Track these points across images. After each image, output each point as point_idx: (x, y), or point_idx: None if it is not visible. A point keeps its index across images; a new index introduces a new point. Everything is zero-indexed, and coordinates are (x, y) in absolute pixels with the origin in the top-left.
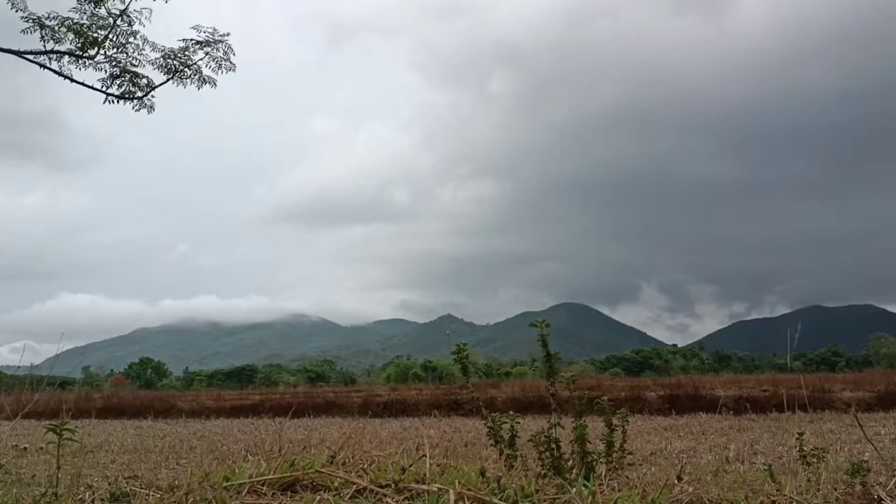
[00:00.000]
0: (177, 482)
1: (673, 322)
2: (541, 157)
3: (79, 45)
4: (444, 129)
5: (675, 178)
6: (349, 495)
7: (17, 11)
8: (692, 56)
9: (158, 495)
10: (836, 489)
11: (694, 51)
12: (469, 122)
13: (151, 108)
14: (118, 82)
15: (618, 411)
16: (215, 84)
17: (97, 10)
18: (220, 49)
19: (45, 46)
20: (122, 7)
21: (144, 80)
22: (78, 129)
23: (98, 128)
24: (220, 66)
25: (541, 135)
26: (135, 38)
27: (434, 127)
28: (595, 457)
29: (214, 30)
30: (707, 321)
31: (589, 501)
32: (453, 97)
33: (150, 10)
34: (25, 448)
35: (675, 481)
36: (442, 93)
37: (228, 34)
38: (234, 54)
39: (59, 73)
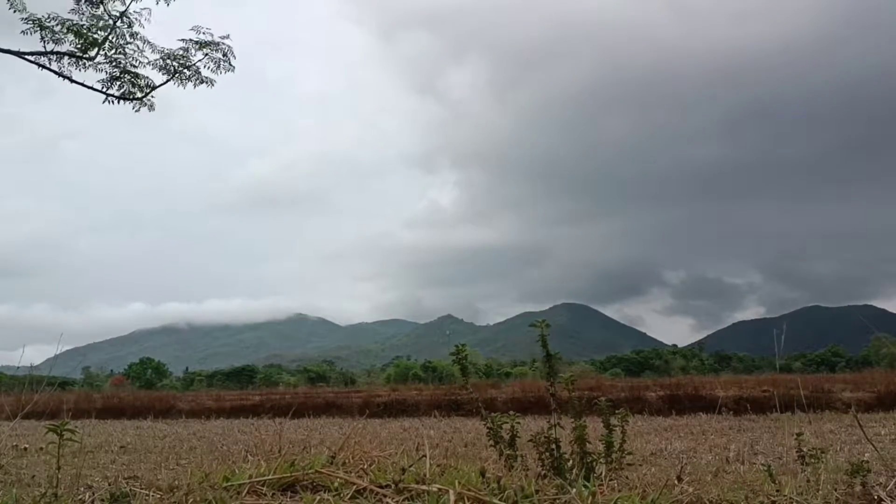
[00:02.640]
0: (177, 482)
1: (672, 321)
2: (528, 144)
3: (79, 46)
4: (428, 122)
5: (673, 163)
6: (349, 496)
7: (15, 12)
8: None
9: (158, 496)
10: (836, 489)
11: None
12: (455, 113)
13: (151, 108)
14: (118, 83)
15: (616, 411)
16: (213, 84)
17: (96, 10)
18: (220, 50)
19: (45, 47)
20: (123, 8)
21: (144, 81)
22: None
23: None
24: (218, 67)
25: (524, 120)
26: (135, 39)
27: (416, 119)
28: (595, 457)
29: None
30: (707, 321)
31: (589, 502)
32: (435, 87)
33: (150, 10)
34: (25, 448)
35: (676, 482)
36: (421, 83)
37: (228, 35)
38: (234, 56)
39: (59, 74)
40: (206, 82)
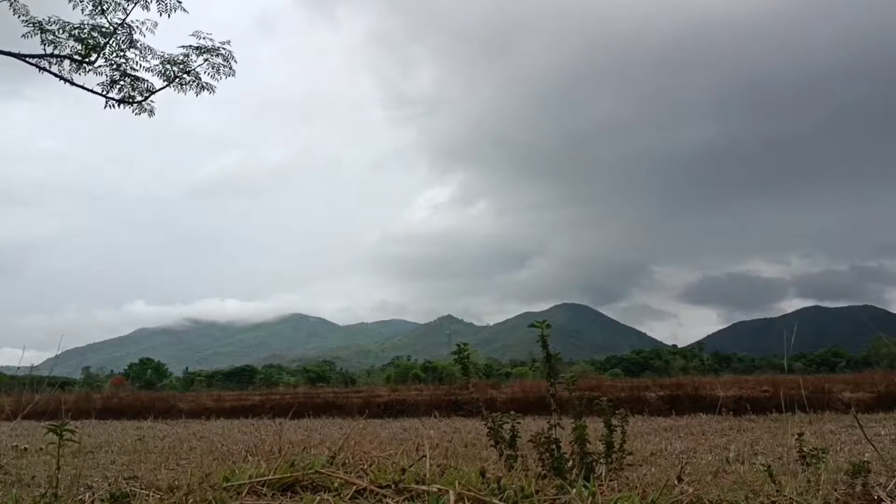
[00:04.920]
0: (177, 483)
1: (673, 321)
2: (514, 135)
3: (79, 50)
4: (408, 116)
5: (668, 148)
6: (349, 496)
7: (18, 17)
8: None
9: (158, 496)
10: (836, 490)
11: None
12: (433, 106)
13: (151, 113)
14: (118, 87)
15: (617, 412)
16: (214, 90)
17: (100, 18)
18: (220, 56)
19: (45, 50)
20: (123, 17)
21: (145, 85)
22: None
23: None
24: (218, 72)
25: (504, 105)
26: (135, 46)
27: (398, 113)
28: (595, 457)
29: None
30: (707, 320)
31: (589, 502)
32: (430, 79)
33: (156, 23)
34: (26, 449)
35: (676, 482)
36: (412, 76)
37: (229, 41)
38: (235, 61)
39: (60, 77)
40: (207, 88)
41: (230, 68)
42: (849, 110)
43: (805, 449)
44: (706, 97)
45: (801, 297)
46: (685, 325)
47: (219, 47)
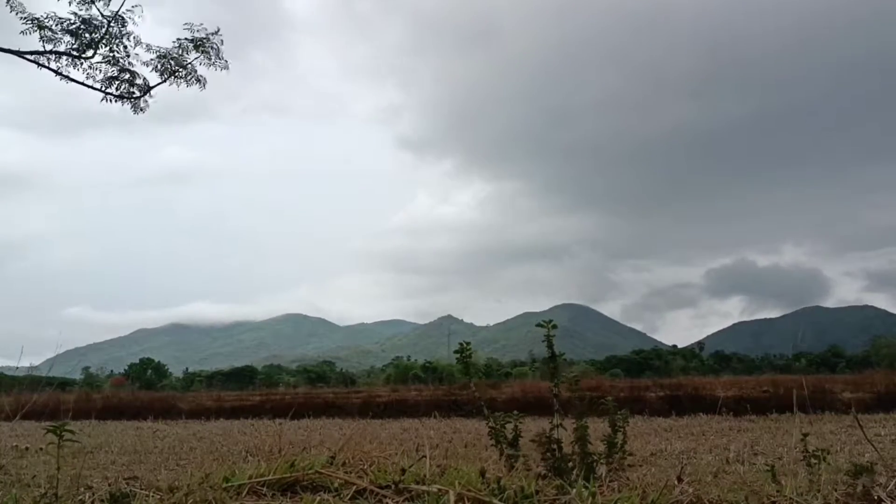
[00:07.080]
0: (177, 483)
1: (672, 321)
2: (500, 126)
3: (75, 46)
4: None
5: (657, 135)
6: (349, 496)
7: (15, 14)
8: None
9: (158, 496)
10: (836, 490)
11: None
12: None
13: (143, 109)
14: (117, 83)
15: (618, 412)
16: (205, 84)
17: (89, 10)
18: (212, 48)
19: (44, 47)
20: (115, 10)
21: (142, 81)
22: None
23: None
24: (212, 64)
25: (495, 94)
26: (129, 39)
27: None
28: (596, 458)
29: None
30: (706, 321)
31: (589, 502)
32: (411, 68)
33: (141, 8)
34: (26, 449)
35: (676, 482)
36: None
37: (219, 30)
38: (222, 49)
39: (58, 73)
40: (201, 82)
41: (220, 58)
42: (846, 86)
43: (809, 449)
44: (698, 76)
45: (808, 292)
46: (685, 324)
47: (209, 38)
